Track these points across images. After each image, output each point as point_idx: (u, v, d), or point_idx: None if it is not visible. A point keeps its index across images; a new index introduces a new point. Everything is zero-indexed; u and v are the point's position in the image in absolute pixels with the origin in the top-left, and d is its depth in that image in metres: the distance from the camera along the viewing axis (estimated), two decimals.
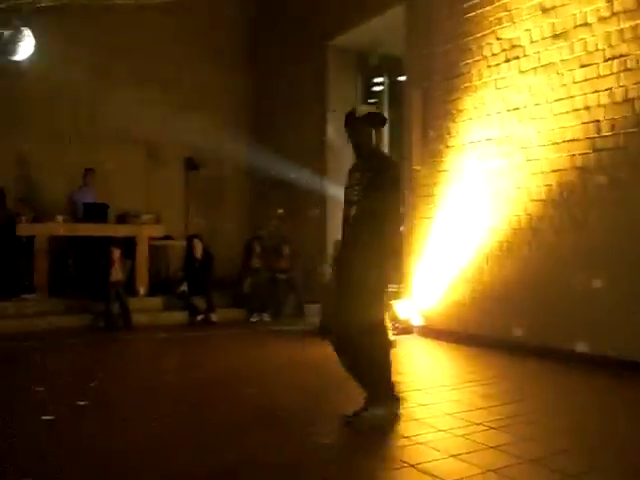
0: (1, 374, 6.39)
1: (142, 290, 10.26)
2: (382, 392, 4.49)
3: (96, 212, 10.45)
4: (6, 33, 8.67)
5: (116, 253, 9.61)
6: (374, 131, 4.78)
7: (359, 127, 4.69)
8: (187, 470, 3.62)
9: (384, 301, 4.75)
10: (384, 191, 4.49)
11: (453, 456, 3.80)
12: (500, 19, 7.64)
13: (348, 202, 4.62)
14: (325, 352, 7.38)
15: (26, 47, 8.72)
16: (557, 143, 6.92)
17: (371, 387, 4.49)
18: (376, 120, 4.84)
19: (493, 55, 7.74)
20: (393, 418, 4.49)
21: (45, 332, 8.82)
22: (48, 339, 8.40)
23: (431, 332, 8.37)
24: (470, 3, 8.04)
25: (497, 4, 7.68)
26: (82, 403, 5.09)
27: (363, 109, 4.92)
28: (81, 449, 4.03)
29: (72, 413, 4.86)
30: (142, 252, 10.36)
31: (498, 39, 7.67)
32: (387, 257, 4.51)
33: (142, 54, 11.70)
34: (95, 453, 3.93)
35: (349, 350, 4.49)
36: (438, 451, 3.90)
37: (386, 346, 4.71)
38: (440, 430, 4.32)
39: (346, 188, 4.71)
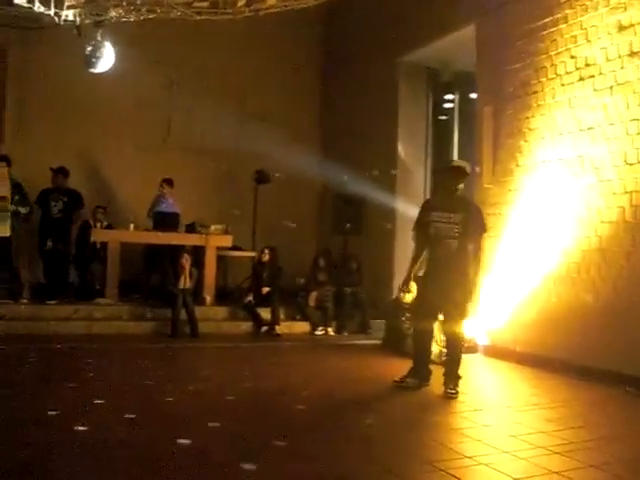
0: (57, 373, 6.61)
1: (208, 299, 10.40)
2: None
3: (168, 221, 10.68)
4: (88, 47, 8.96)
5: (186, 261, 9.77)
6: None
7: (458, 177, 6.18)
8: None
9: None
10: (482, 233, 6.23)
11: None
12: (575, 37, 7.52)
13: (447, 236, 6.06)
14: (388, 368, 7.45)
15: (106, 60, 8.97)
16: (631, 164, 6.76)
17: None
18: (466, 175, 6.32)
19: (567, 73, 7.62)
20: None
21: (112, 336, 9.06)
22: (114, 343, 8.63)
23: (496, 352, 8.25)
24: (544, 21, 7.94)
25: (572, 22, 7.56)
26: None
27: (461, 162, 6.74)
28: None
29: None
30: (210, 261, 10.53)
31: (572, 57, 7.55)
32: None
33: (216, 68, 11.99)
34: None
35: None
36: (502, 474, 3.86)
37: None
38: (504, 452, 4.28)
39: (438, 222, 6.09)
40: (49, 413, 4.83)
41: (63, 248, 10.50)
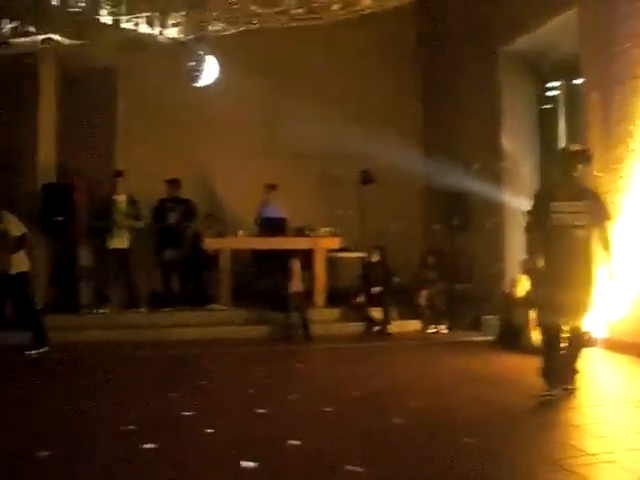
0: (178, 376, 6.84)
1: (320, 301, 10.52)
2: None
3: (275, 226, 10.89)
4: (191, 61, 9.24)
5: (296, 265, 9.93)
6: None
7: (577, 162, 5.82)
8: None
9: None
10: (608, 221, 5.94)
11: None
12: None
13: (571, 226, 5.66)
14: (505, 365, 7.35)
15: (209, 74, 9.23)
16: None
17: None
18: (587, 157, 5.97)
19: None
20: None
21: (227, 341, 9.29)
22: (227, 347, 8.84)
23: (616, 345, 7.93)
24: None
25: None
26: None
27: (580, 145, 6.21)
28: None
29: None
30: (319, 264, 10.65)
31: None
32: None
33: (316, 71, 12.10)
34: None
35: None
36: (628, 471, 3.76)
37: None
38: (628, 449, 4.16)
39: (559, 212, 5.68)
40: (126, 428, 4.87)
41: (180, 256, 10.87)
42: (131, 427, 4.87)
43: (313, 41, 11.25)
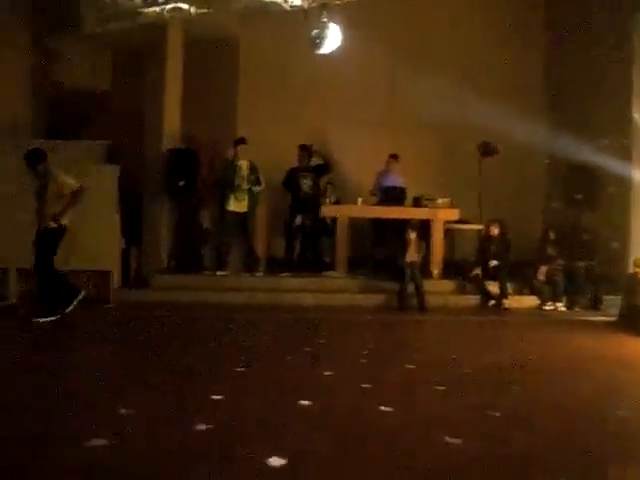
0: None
1: (436, 272, 10.47)
2: None
3: (394, 195, 10.88)
4: (314, 29, 9.26)
5: (412, 235, 9.90)
6: None
7: None
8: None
9: None
10: None
11: None
12: None
13: None
14: (631, 347, 7.12)
15: (332, 41, 9.23)
16: None
17: None
18: None
19: None
20: None
21: (342, 308, 9.40)
22: (342, 315, 8.94)
23: None
24: None
25: None
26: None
27: None
28: None
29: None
30: (437, 235, 10.58)
31: None
32: None
33: (439, 41, 11.94)
34: None
35: None
36: None
37: None
38: None
39: None
40: (212, 397, 4.57)
41: (311, 223, 11.14)
42: (219, 397, 4.82)
43: (436, 11, 11.07)
